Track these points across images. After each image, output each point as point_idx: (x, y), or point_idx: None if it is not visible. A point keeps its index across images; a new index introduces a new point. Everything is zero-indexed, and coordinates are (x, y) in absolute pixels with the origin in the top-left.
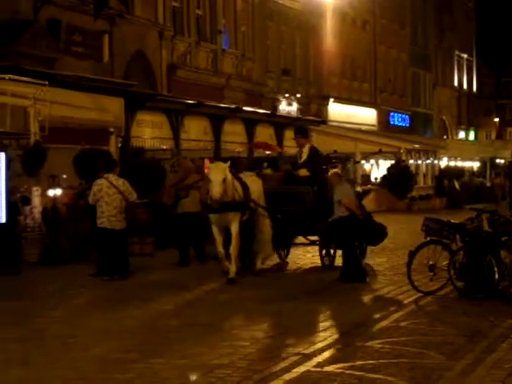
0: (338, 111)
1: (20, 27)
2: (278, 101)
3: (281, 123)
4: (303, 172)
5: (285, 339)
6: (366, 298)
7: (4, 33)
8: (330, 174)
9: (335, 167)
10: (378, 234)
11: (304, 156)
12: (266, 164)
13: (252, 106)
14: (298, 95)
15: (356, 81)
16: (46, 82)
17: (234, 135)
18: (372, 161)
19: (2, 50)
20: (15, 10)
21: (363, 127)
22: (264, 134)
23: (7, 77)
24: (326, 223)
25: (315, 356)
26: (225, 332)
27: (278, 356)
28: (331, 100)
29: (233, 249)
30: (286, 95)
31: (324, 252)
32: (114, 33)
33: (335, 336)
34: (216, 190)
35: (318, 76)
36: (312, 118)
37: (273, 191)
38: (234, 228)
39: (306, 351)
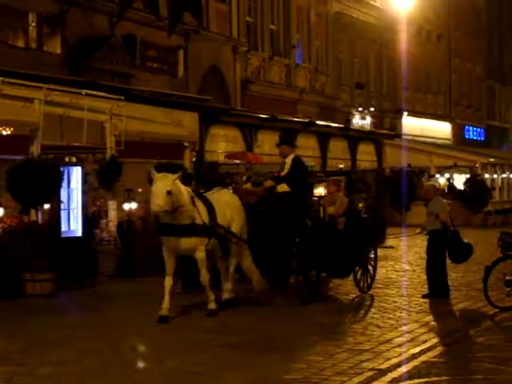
0: (412, 125)
1: (96, 43)
2: (352, 114)
3: (354, 137)
4: (282, 188)
5: (359, 354)
6: (442, 314)
7: (81, 48)
8: (426, 186)
9: (321, 182)
10: (464, 251)
11: (286, 168)
12: (244, 178)
13: (325, 120)
14: (372, 109)
15: (430, 94)
16: (122, 97)
17: (306, 149)
18: (447, 175)
19: (78, 66)
20: (92, 26)
21: (437, 141)
22: (337, 147)
23: (84, 92)
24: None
25: (390, 372)
26: (298, 346)
27: (353, 371)
28: (405, 113)
29: (202, 277)
30: (360, 109)
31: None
32: (189, 48)
33: (411, 351)
34: (156, 202)
35: (391, 89)
36: (386, 132)
37: (247, 210)
38: (198, 257)
39: (380, 366)
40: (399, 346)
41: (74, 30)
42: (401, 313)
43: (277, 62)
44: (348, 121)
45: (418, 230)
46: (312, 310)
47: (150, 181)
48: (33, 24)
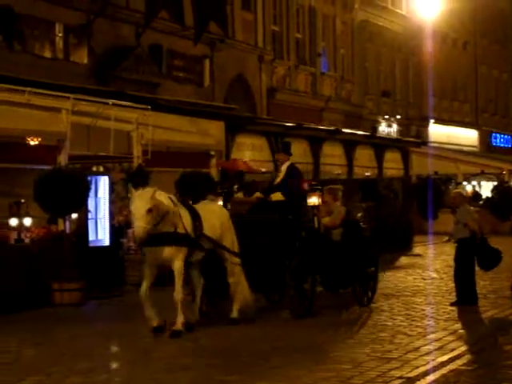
0: (439, 132)
1: (123, 53)
2: (378, 122)
3: (380, 145)
4: (276, 196)
5: (387, 363)
6: (470, 322)
7: (107, 58)
8: (453, 194)
9: (315, 191)
10: (494, 258)
11: (280, 176)
12: (235, 187)
13: (351, 128)
14: (398, 116)
15: (456, 101)
16: (149, 107)
17: (333, 157)
18: (474, 182)
19: (105, 76)
20: (118, 36)
21: (464, 148)
22: (363, 155)
23: (111, 102)
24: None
25: (418, 380)
26: (325, 355)
27: (381, 379)
28: (431, 121)
29: (176, 293)
30: (386, 117)
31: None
32: (215, 57)
33: (439, 359)
34: (138, 225)
35: (418, 97)
36: (412, 140)
37: (237, 220)
38: (175, 267)
39: (409, 375)
40: (427, 354)
41: (100, 40)
42: (429, 321)
43: (302, 71)
44: (374, 129)
45: (446, 239)
46: (334, 319)
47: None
48: (60, 34)
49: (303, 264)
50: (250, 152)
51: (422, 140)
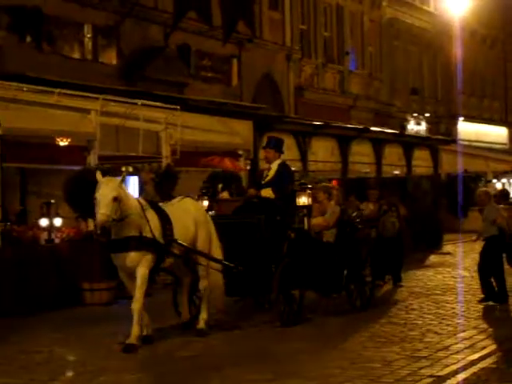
0: (468, 130)
1: (151, 53)
2: (407, 120)
3: (409, 143)
4: (266, 192)
5: (417, 361)
6: (500, 320)
7: (136, 59)
8: (478, 192)
9: (304, 190)
10: None
11: (270, 174)
12: (220, 186)
13: (380, 126)
14: (427, 114)
15: (486, 98)
16: (178, 107)
17: (361, 156)
18: (504, 180)
19: (134, 76)
20: (146, 37)
21: (494, 146)
22: (392, 153)
23: (139, 102)
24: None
25: (449, 378)
26: (355, 354)
27: (411, 378)
28: (461, 119)
29: (134, 302)
30: (415, 114)
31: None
32: (243, 57)
33: (469, 358)
34: (102, 211)
35: (446, 94)
36: (441, 138)
37: (221, 222)
38: (138, 273)
39: (439, 373)
40: (457, 352)
41: (128, 41)
42: (459, 319)
43: (330, 69)
44: (403, 127)
45: (474, 237)
46: (362, 317)
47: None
48: (88, 35)
49: (291, 268)
50: None
51: (452, 138)
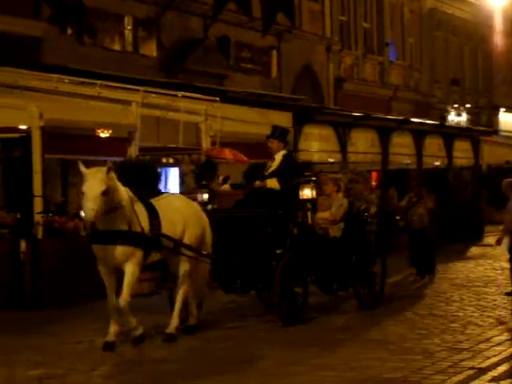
0: (509, 121)
1: (191, 45)
2: (447, 111)
3: (450, 134)
4: (271, 183)
5: (458, 353)
6: None
7: (176, 51)
8: (503, 183)
9: (308, 183)
10: None
11: (274, 165)
12: (221, 178)
13: (420, 117)
14: (468, 105)
15: None
16: (217, 99)
17: (401, 147)
18: None
19: (174, 68)
20: (186, 29)
21: None
22: (433, 145)
23: (180, 94)
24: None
25: (490, 370)
26: (395, 345)
27: (452, 370)
28: (502, 109)
29: (122, 298)
30: (455, 105)
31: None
32: (282, 48)
33: (510, 350)
34: (90, 207)
35: (487, 85)
36: (482, 129)
37: (221, 216)
38: (128, 270)
39: (480, 365)
40: (499, 344)
41: (169, 33)
42: (500, 311)
43: (370, 60)
44: (443, 118)
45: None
46: (403, 309)
47: None
48: (129, 27)
49: (294, 264)
50: (318, 142)
51: (493, 129)
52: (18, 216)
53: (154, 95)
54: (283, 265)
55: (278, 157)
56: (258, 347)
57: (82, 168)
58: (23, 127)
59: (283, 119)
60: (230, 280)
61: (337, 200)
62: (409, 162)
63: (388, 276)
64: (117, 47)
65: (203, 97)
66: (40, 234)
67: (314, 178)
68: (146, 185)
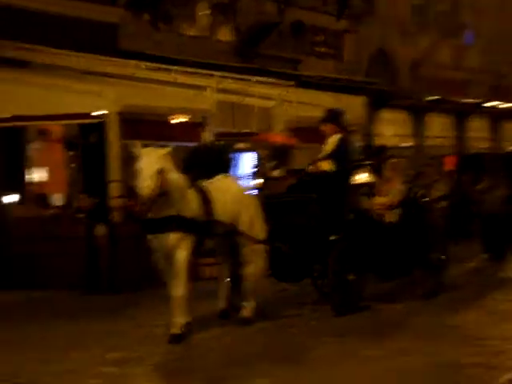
0: None
1: (265, 30)
2: None
3: None
4: (325, 165)
5: None
6: None
7: (250, 35)
8: None
9: (365, 167)
10: None
11: (328, 149)
12: (272, 164)
13: (497, 101)
14: None
15: None
16: (292, 83)
17: (478, 131)
18: None
19: (248, 53)
20: (261, 13)
21: None
22: (510, 128)
23: (254, 79)
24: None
25: None
26: (471, 331)
27: None
28: None
29: (175, 288)
30: None
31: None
32: (356, 32)
33: None
34: (146, 185)
35: None
36: None
37: (270, 202)
38: (178, 257)
39: None
40: None
41: (244, 18)
42: None
43: (446, 43)
44: None
45: None
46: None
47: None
48: (204, 13)
49: (348, 251)
50: (393, 127)
51: None
52: (97, 201)
53: (228, 80)
54: (337, 252)
55: (332, 140)
56: (310, 336)
57: (137, 148)
58: (100, 113)
59: (357, 103)
60: (283, 268)
61: (395, 185)
62: (484, 146)
63: (462, 262)
64: (192, 32)
65: (278, 81)
66: (116, 219)
67: (369, 162)
68: (219, 170)
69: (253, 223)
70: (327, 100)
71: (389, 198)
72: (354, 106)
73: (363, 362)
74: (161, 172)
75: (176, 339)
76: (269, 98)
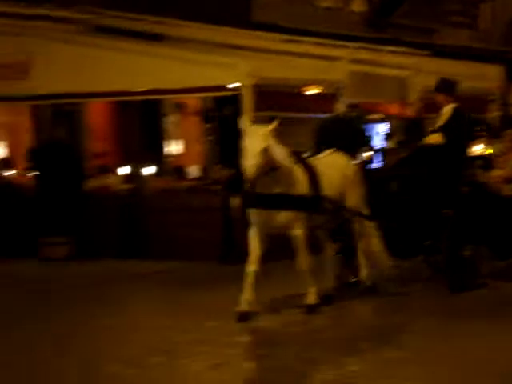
0: None
1: None
2: None
3: None
4: (434, 138)
5: None
6: None
7: (383, 5)
8: None
9: (481, 138)
10: None
11: (442, 119)
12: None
13: None
14: None
15: None
16: (426, 53)
17: None
18: None
19: (381, 23)
20: None
21: None
22: None
23: (387, 49)
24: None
25: None
26: None
27: None
28: None
29: (300, 264)
30: None
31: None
32: (492, 0)
33: None
34: (251, 164)
35: None
36: None
37: (383, 175)
38: (296, 236)
39: None
40: None
41: None
42: None
43: None
44: None
45: None
46: None
47: None
48: None
49: (463, 226)
50: None
51: None
52: (232, 172)
53: (361, 51)
54: (451, 227)
55: (447, 110)
56: (419, 315)
57: (245, 123)
58: (236, 85)
59: (494, 72)
60: (394, 243)
61: None
62: None
63: None
64: (325, 4)
65: (411, 51)
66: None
67: (485, 133)
68: (351, 140)
69: (360, 200)
70: (463, 69)
71: (506, 170)
72: (490, 76)
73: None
74: (266, 150)
75: (311, 309)
76: (402, 68)
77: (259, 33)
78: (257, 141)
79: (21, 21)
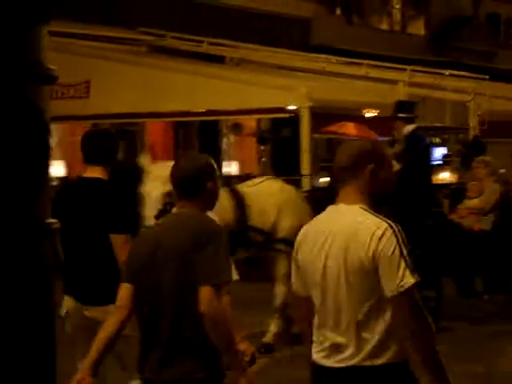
0: None
1: (459, 23)
2: None
3: None
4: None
5: None
6: None
7: (443, 29)
8: None
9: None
10: None
11: (397, 146)
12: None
13: None
14: None
15: None
16: (487, 76)
17: None
18: None
19: (441, 46)
20: (454, 7)
21: None
22: None
23: (447, 72)
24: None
25: None
26: None
27: None
28: None
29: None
30: None
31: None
32: None
33: None
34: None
35: None
36: None
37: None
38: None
39: None
40: None
41: (437, 11)
42: None
43: None
44: None
45: None
46: None
47: None
48: (397, 7)
49: (426, 260)
50: None
51: None
52: None
53: (420, 74)
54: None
55: (404, 132)
56: None
57: (145, 162)
58: (294, 107)
59: None
60: None
61: (488, 186)
62: None
63: None
64: (384, 26)
65: (471, 75)
66: None
67: (451, 159)
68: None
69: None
70: None
71: (480, 199)
72: None
73: None
74: (170, 195)
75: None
76: (462, 92)
77: (317, 55)
78: (158, 186)
79: (82, 41)
